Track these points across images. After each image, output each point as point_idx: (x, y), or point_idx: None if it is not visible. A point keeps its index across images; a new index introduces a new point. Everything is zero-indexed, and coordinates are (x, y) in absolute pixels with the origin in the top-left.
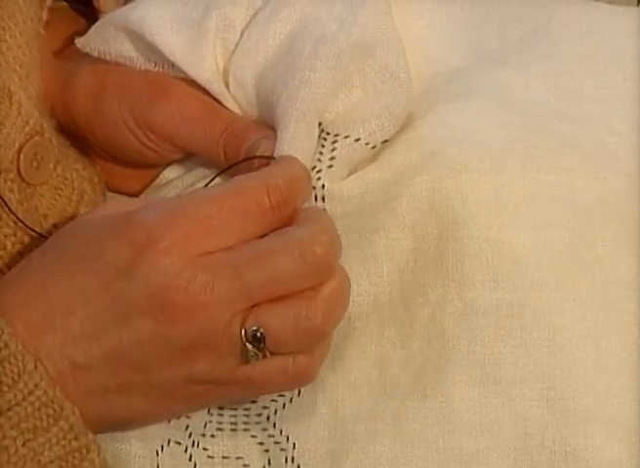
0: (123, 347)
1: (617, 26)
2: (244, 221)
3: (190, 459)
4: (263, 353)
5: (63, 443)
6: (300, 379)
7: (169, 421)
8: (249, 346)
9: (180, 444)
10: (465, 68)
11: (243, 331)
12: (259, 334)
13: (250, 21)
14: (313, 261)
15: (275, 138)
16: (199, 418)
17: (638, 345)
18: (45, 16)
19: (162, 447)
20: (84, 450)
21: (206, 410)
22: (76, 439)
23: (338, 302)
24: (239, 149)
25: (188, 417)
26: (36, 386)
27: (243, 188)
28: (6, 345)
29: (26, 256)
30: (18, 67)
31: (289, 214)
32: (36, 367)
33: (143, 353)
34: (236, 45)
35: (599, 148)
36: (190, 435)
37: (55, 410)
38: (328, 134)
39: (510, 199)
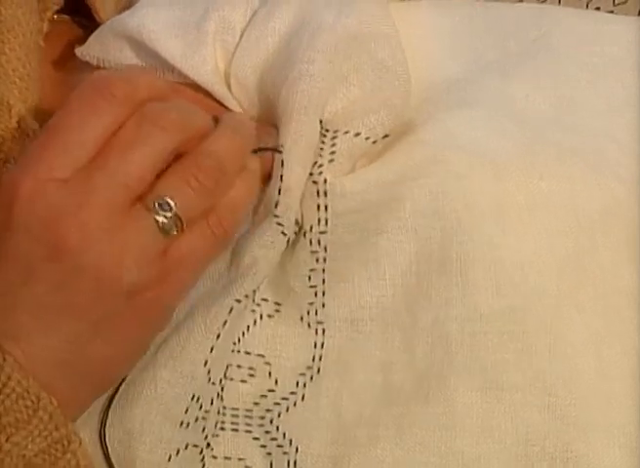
0: (44, 302)
1: (616, 35)
2: (97, 119)
3: (202, 460)
4: (178, 220)
5: (45, 434)
6: (221, 234)
7: (187, 426)
8: (162, 218)
9: (197, 446)
10: (465, 77)
11: (150, 215)
12: (163, 202)
13: (248, 22)
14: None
15: (277, 133)
16: (212, 419)
17: (639, 352)
18: (45, 28)
19: (178, 451)
20: (65, 442)
21: (216, 410)
22: (57, 429)
23: (219, 139)
24: None
25: (204, 419)
26: (9, 378)
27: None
28: None
29: None
30: (17, 80)
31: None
32: (5, 358)
33: (65, 296)
34: (236, 46)
35: (600, 157)
36: (206, 437)
37: (32, 401)
38: (327, 130)
39: (512, 206)
